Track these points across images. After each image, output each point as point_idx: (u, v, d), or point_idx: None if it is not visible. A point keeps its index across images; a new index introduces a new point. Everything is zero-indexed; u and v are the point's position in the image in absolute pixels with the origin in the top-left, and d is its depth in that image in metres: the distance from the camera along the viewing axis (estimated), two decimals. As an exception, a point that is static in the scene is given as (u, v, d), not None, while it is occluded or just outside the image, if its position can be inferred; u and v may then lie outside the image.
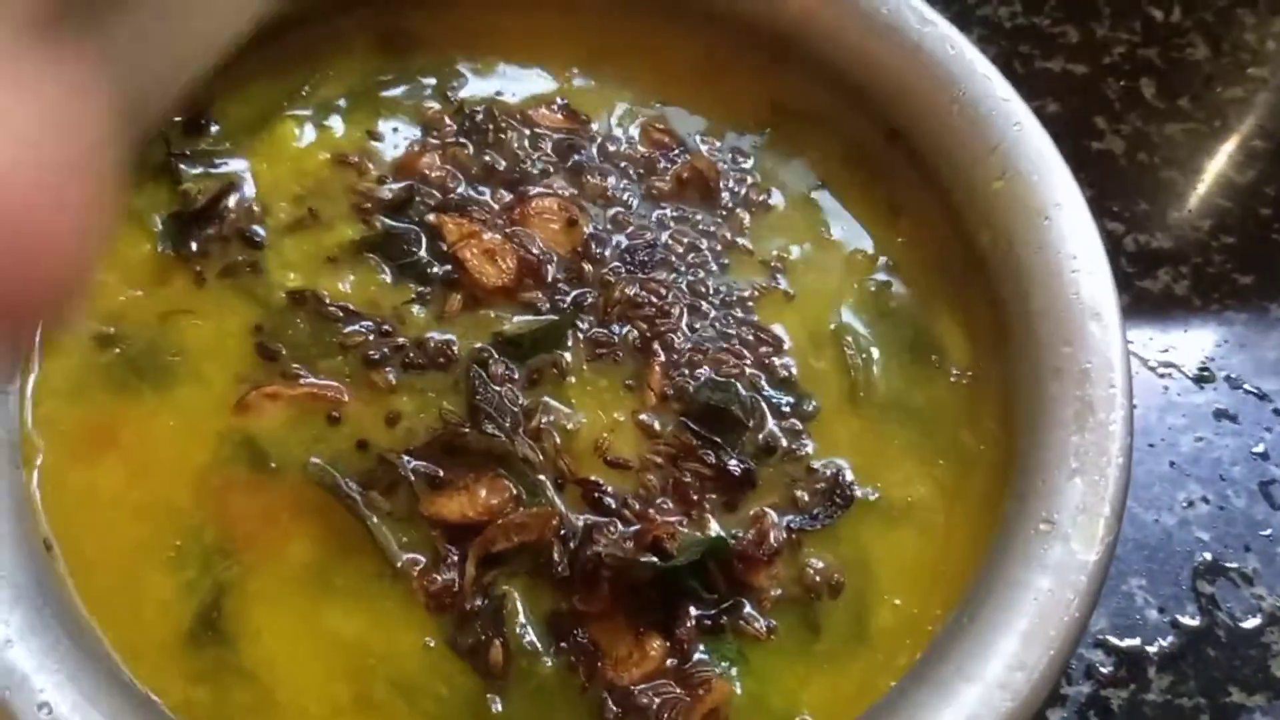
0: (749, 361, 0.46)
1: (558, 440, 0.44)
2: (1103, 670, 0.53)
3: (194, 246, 0.48)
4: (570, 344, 0.46)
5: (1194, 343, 0.63)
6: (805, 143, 0.52)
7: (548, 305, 0.47)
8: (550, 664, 0.40)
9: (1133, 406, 0.41)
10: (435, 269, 0.47)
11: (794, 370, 0.46)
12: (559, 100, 0.52)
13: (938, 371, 0.47)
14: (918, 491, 0.44)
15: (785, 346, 0.47)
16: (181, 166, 0.49)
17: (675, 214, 0.50)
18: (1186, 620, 0.55)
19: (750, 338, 0.47)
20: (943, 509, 0.43)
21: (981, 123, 0.47)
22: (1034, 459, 0.40)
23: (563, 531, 0.41)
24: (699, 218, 0.50)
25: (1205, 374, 0.62)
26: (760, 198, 0.51)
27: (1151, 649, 0.54)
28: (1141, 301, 0.65)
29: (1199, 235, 0.67)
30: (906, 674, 0.37)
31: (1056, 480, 0.39)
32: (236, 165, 0.50)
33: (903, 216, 0.50)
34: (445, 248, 0.48)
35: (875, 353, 0.47)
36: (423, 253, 0.48)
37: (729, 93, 0.53)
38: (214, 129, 0.51)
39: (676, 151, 0.51)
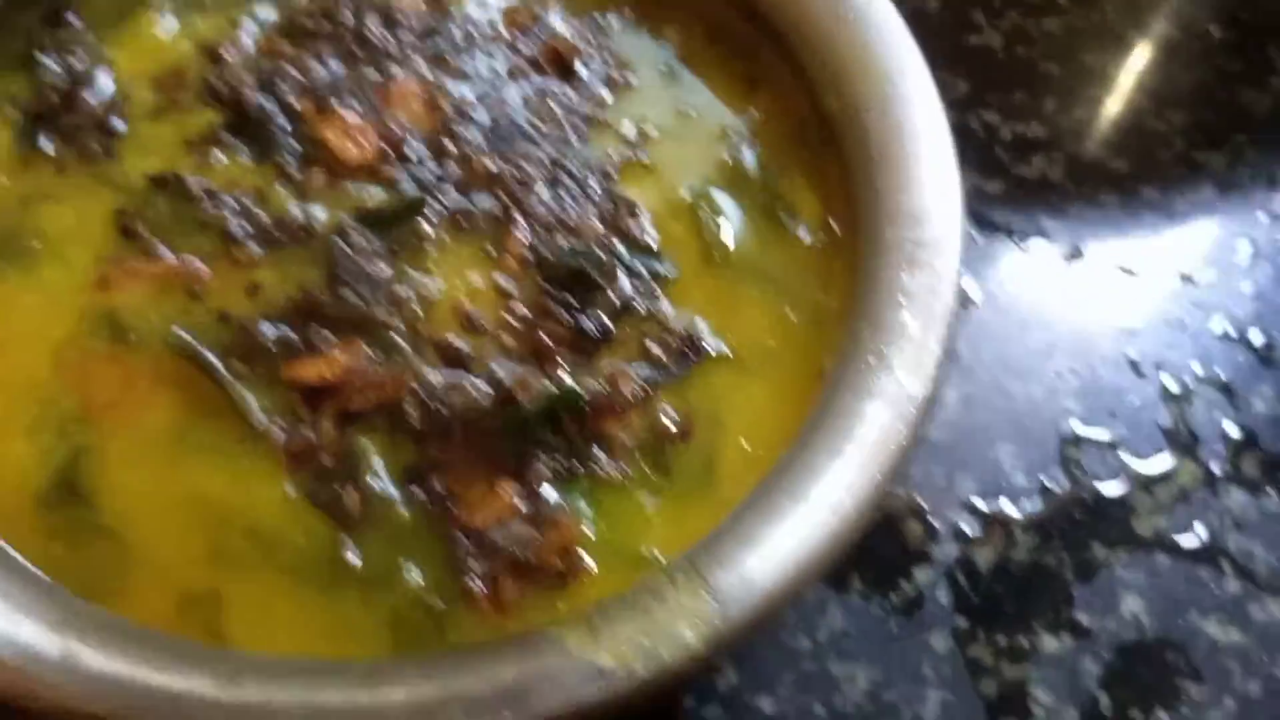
0: (608, 228, 0.47)
1: (417, 309, 0.45)
2: (969, 532, 0.55)
3: (50, 149, 0.48)
4: (432, 217, 0.47)
5: (1067, 225, 0.65)
6: (665, 21, 0.53)
7: (409, 181, 0.47)
8: (405, 511, 0.41)
9: (964, 248, 0.43)
10: (297, 149, 0.48)
11: (651, 236, 0.47)
12: (420, -16, 0.53)
13: (792, 235, 0.48)
14: (768, 344, 0.45)
15: (643, 214, 0.48)
16: (42, 59, 0.49)
17: (536, 92, 0.51)
18: (1053, 486, 0.57)
19: (609, 206, 0.48)
20: (792, 359, 0.45)
21: (831, -6, 0.49)
22: (869, 300, 0.42)
23: (417, 388, 0.42)
24: (560, 95, 0.51)
25: (1076, 254, 0.64)
26: (621, 74, 0.52)
27: (1017, 514, 0.56)
28: (1017, 188, 0.66)
29: (1074, 124, 0.69)
30: (742, 502, 0.39)
31: (886, 317, 0.41)
32: (96, 56, 0.50)
33: (760, 90, 0.51)
34: (306, 129, 0.48)
35: (732, 218, 0.48)
36: (284, 135, 0.48)
37: (589, -28, 0.54)
38: (74, 21, 0.51)
39: (538, 30, 0.52)
